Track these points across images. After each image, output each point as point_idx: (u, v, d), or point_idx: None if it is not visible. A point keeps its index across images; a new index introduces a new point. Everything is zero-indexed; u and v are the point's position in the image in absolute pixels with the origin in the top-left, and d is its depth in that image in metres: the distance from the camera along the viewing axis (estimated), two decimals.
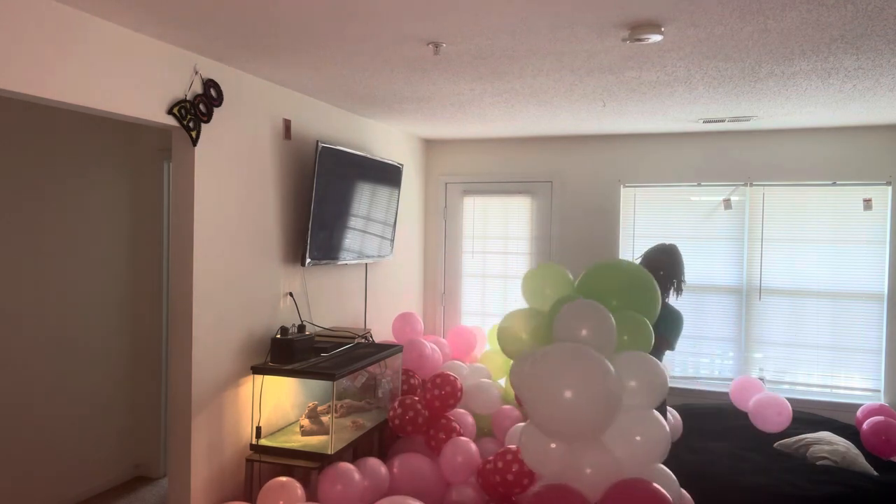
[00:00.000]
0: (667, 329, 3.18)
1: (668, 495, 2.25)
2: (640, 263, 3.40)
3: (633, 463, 2.36)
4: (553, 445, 2.41)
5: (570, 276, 2.97)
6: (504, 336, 2.97)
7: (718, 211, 4.88)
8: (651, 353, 3.01)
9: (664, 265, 3.29)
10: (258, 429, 3.33)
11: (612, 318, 2.47)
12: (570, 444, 2.37)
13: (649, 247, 3.47)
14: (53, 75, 2.34)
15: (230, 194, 3.25)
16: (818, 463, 3.61)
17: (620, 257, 5.07)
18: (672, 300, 3.29)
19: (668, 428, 2.42)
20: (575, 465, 2.34)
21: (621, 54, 2.86)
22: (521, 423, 3.76)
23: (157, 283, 4.30)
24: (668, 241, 3.44)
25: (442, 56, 2.92)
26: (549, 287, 2.92)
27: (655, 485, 2.30)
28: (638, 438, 2.35)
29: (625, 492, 2.28)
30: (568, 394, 2.17)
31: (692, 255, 4.93)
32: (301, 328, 3.57)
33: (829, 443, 3.74)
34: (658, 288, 2.80)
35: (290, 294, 3.74)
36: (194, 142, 2.99)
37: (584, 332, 2.39)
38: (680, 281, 3.32)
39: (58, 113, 3.74)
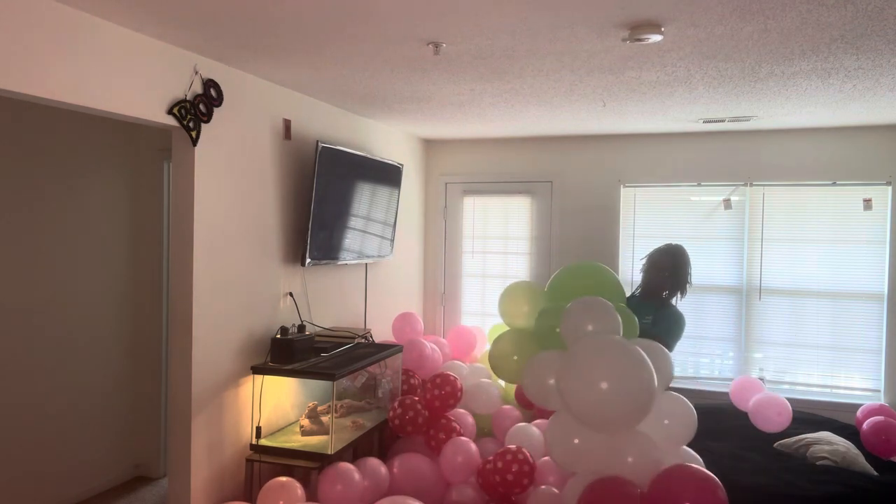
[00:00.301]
0: (667, 331, 3.17)
1: (715, 478, 2.26)
2: (645, 264, 3.40)
3: (667, 445, 2.42)
4: (576, 441, 2.42)
5: (540, 287, 3.05)
6: (496, 359, 3.05)
7: (718, 211, 4.88)
8: None
9: (668, 267, 3.28)
10: (258, 429, 3.33)
11: (617, 314, 2.51)
12: (607, 434, 2.40)
13: (655, 247, 3.45)
14: (53, 75, 2.34)
15: (230, 194, 3.25)
16: (818, 463, 3.60)
17: (620, 256, 5.07)
18: (676, 301, 3.29)
19: (692, 407, 2.45)
20: (615, 455, 2.36)
21: (621, 54, 2.86)
22: (522, 423, 3.76)
23: (158, 283, 4.30)
24: (674, 242, 3.41)
25: (442, 56, 2.92)
26: (526, 303, 3.01)
27: (701, 468, 2.30)
28: (666, 422, 2.41)
29: (675, 480, 2.26)
30: (607, 385, 2.24)
31: (692, 255, 4.90)
32: (301, 328, 3.57)
33: (829, 443, 3.74)
34: (623, 289, 2.92)
35: (290, 294, 3.74)
36: (194, 142, 2.99)
37: (590, 327, 2.48)
38: (685, 283, 3.29)
39: (58, 113, 3.74)
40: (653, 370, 2.29)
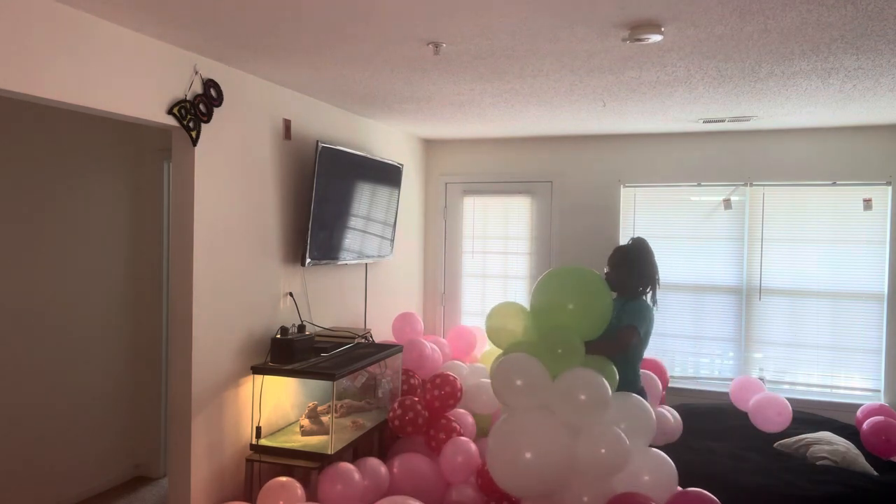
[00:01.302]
0: (643, 327, 3.13)
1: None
2: (606, 265, 3.36)
3: (601, 475, 2.57)
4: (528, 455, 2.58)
5: (526, 309, 3.07)
6: (493, 331, 3.14)
7: (718, 211, 4.88)
8: (628, 359, 3.09)
9: (623, 265, 3.25)
10: (258, 429, 3.33)
11: (540, 365, 2.69)
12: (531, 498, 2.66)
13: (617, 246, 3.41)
14: (53, 75, 2.34)
15: (230, 194, 3.25)
16: (818, 463, 3.61)
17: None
18: (648, 296, 3.24)
19: (625, 439, 2.54)
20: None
21: (621, 54, 2.86)
22: None
23: (158, 283, 4.30)
24: (635, 236, 3.35)
25: (442, 56, 2.92)
26: (511, 323, 3.08)
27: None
28: (603, 451, 2.52)
29: None
30: (529, 455, 2.51)
31: (692, 255, 4.95)
32: (301, 328, 3.57)
33: (829, 443, 3.74)
34: (608, 289, 2.94)
35: (290, 294, 3.74)
36: (194, 142, 2.99)
37: (519, 382, 2.64)
38: (653, 276, 3.24)
39: (58, 113, 3.74)
40: (567, 443, 2.53)
